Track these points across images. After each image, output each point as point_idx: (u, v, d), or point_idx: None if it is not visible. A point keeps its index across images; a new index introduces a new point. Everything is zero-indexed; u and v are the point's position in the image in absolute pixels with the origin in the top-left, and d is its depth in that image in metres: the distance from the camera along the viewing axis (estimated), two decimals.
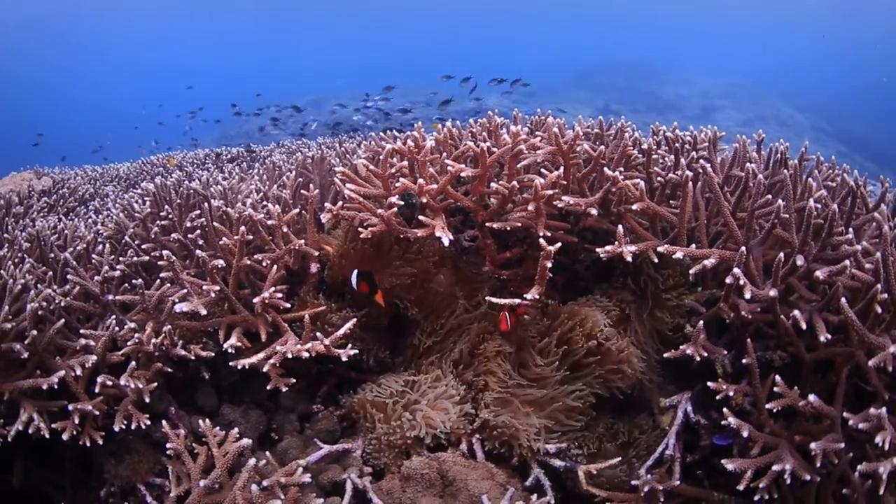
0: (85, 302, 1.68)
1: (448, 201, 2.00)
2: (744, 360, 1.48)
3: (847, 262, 1.37)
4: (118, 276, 1.74)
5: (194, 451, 1.53)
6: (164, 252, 1.69)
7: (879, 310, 1.38)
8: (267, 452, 1.71)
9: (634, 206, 1.77)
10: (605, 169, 1.88)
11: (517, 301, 1.81)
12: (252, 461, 1.47)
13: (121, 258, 1.82)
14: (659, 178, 1.88)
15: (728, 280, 1.52)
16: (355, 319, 1.91)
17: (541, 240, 1.72)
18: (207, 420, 1.63)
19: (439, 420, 1.83)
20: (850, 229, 1.55)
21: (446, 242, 1.86)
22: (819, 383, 1.53)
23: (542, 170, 2.03)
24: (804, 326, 1.42)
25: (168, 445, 1.48)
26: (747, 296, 1.45)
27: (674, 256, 1.65)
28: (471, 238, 2.15)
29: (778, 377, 1.42)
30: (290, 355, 1.75)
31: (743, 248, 1.53)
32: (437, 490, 1.69)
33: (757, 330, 1.67)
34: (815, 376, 1.55)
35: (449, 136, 2.24)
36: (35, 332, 1.44)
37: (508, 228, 1.92)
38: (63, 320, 1.52)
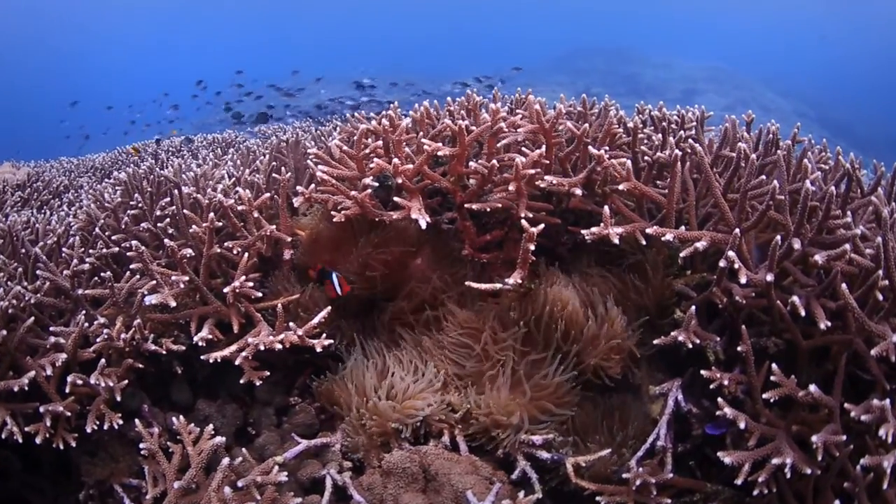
0: (56, 297, 1.60)
1: (425, 182, 1.92)
2: (738, 348, 1.42)
3: (847, 246, 1.32)
4: (88, 269, 1.65)
5: (169, 449, 1.46)
6: (133, 243, 1.60)
7: (880, 297, 1.33)
8: (244, 449, 1.65)
9: (621, 187, 1.71)
10: (590, 147, 1.81)
11: (498, 286, 1.75)
12: (226, 461, 1.41)
13: (91, 251, 1.72)
14: (646, 158, 1.82)
15: (721, 264, 1.46)
16: (329, 308, 1.85)
17: (522, 221, 1.66)
18: (182, 417, 1.56)
19: (419, 410, 1.77)
20: (848, 213, 1.51)
21: (423, 225, 1.79)
22: (815, 371, 1.48)
23: (524, 149, 1.96)
24: (803, 313, 1.36)
25: (142, 445, 1.42)
26: (742, 280, 1.39)
27: (663, 239, 1.59)
28: (450, 220, 2.09)
29: (774, 365, 1.37)
30: (262, 347, 1.68)
31: (737, 231, 1.47)
32: (420, 485, 1.64)
33: (749, 315, 1.62)
34: (811, 364, 1.50)
35: (426, 115, 2.16)
36: (5, 332, 1.36)
37: (488, 209, 1.86)
38: (33, 318, 1.44)
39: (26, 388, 1.32)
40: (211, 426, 1.56)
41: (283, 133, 3.08)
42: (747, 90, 16.88)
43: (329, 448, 1.79)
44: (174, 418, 1.52)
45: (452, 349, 1.90)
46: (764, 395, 1.36)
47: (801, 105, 16.54)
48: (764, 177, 1.56)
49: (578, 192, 1.80)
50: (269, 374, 1.73)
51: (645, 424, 1.71)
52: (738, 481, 1.33)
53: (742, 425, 1.35)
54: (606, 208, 1.67)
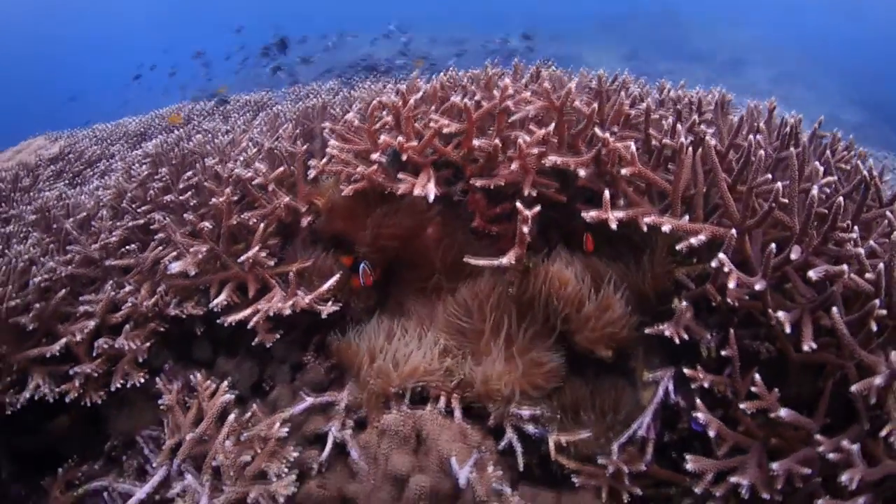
0: (87, 268, 1.77)
1: (435, 155, 1.96)
2: (723, 352, 1.42)
3: (844, 267, 1.25)
4: (116, 241, 1.81)
5: (187, 404, 1.64)
6: (157, 215, 1.75)
7: (875, 327, 1.25)
8: (254, 404, 1.83)
9: (624, 171, 1.70)
10: (597, 129, 1.79)
11: (496, 262, 1.79)
12: (232, 416, 1.57)
13: (119, 223, 1.89)
14: (655, 143, 1.78)
15: (713, 264, 1.44)
16: (338, 276, 1.96)
17: (518, 204, 1.68)
18: (199, 374, 1.74)
19: (418, 375, 1.88)
20: (856, 226, 1.43)
21: (431, 198, 1.85)
22: (809, 381, 1.44)
23: (532, 127, 1.95)
24: (788, 329, 1.32)
25: (161, 400, 1.60)
26: (731, 284, 1.36)
27: (662, 229, 1.58)
28: (462, 191, 2.12)
29: (758, 376, 1.35)
30: (271, 313, 1.82)
31: (733, 231, 1.43)
32: (411, 446, 1.76)
33: (748, 314, 1.59)
34: (803, 375, 1.45)
35: (440, 88, 2.16)
36: (40, 305, 1.54)
37: (492, 187, 1.89)
38: (66, 289, 1.61)
39: (58, 354, 1.52)
40: (226, 382, 1.73)
41: (312, 97, 3.13)
42: (794, 64, 15.88)
43: (334, 405, 1.95)
44: (191, 375, 1.70)
45: (454, 320, 1.99)
46: (741, 406, 1.33)
47: (847, 86, 15.31)
48: (770, 175, 1.49)
49: (582, 172, 1.80)
50: (280, 335, 1.89)
51: (634, 410, 1.74)
52: (697, 490, 1.34)
53: (712, 433, 1.35)
54: (606, 192, 1.66)
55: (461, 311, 1.99)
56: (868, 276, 1.28)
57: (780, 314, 1.31)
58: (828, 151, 1.70)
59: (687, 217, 1.65)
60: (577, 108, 1.86)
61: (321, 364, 2.10)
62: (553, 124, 1.91)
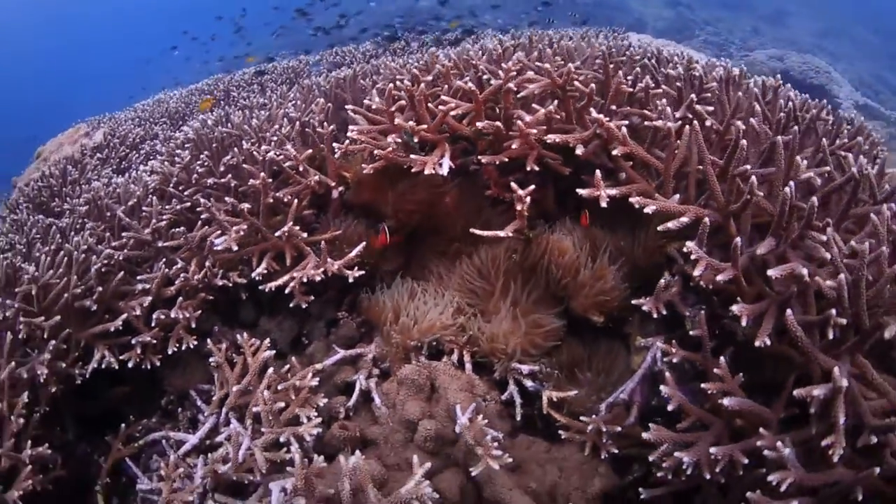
0: (141, 250, 2.09)
1: (450, 131, 2.12)
2: (692, 332, 1.52)
3: (804, 270, 1.29)
4: (165, 224, 2.11)
5: (234, 361, 1.96)
6: (202, 199, 2.02)
7: (831, 335, 1.26)
8: (293, 357, 2.14)
9: (615, 151, 1.79)
10: (592, 109, 1.87)
11: (501, 233, 1.95)
12: (271, 370, 1.88)
13: (167, 207, 2.18)
14: (648, 123, 1.85)
15: (684, 249, 1.53)
16: (363, 245, 2.19)
17: (512, 184, 1.83)
18: (244, 334, 2.05)
19: (435, 329, 2.12)
20: (845, 222, 1.45)
21: (445, 172, 2.02)
22: (785, 368, 1.45)
23: (535, 106, 2.04)
24: (744, 322, 1.36)
25: (211, 359, 1.92)
26: (696, 272, 1.44)
27: (645, 210, 1.67)
28: (477, 162, 2.27)
29: (722, 359, 1.42)
30: (305, 280, 2.09)
31: (706, 219, 1.50)
32: (426, 395, 2.02)
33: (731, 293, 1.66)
34: (778, 361, 1.48)
35: (453, 67, 2.27)
36: (101, 289, 1.87)
37: (497, 163, 2.03)
38: (123, 272, 1.93)
39: (120, 328, 1.85)
40: (267, 341, 2.04)
41: (345, 67, 3.28)
42: (841, 20, 14.28)
43: (363, 357, 2.23)
44: (238, 335, 2.01)
45: (468, 282, 2.20)
46: (702, 385, 1.41)
47: (893, 45, 13.72)
48: (748, 166, 1.53)
49: (580, 150, 1.90)
50: (315, 296, 2.17)
51: (625, 373, 1.90)
52: (651, 458, 1.45)
53: (671, 407, 1.45)
54: (598, 172, 1.77)
55: (474, 274, 2.19)
56: (829, 283, 1.29)
57: (735, 307, 1.37)
58: (824, 140, 1.68)
59: (677, 197, 1.74)
60: (577, 87, 1.93)
61: (353, 320, 2.37)
62: (556, 102, 2.02)
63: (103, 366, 1.85)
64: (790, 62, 10.83)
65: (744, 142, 1.54)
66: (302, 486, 1.54)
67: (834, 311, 1.25)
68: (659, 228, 1.65)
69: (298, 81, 3.47)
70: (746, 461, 1.29)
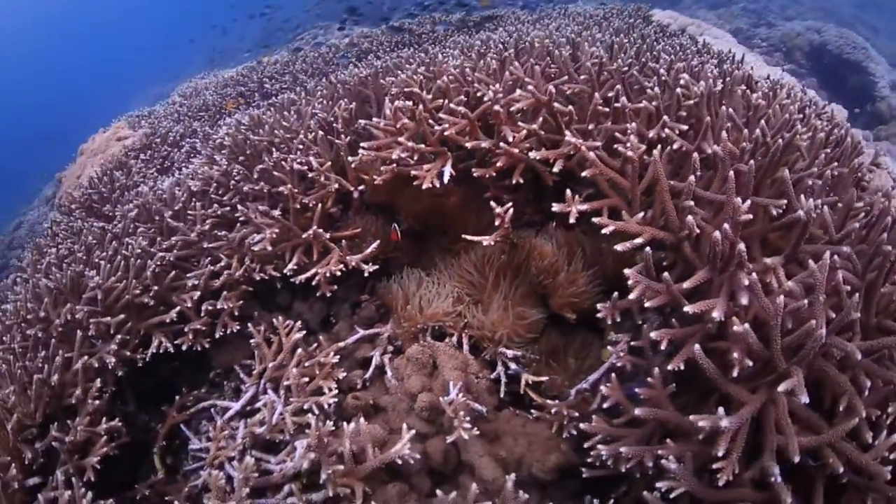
0: (188, 248, 2.52)
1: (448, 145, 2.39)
2: (632, 343, 1.78)
3: (717, 314, 1.47)
4: (209, 228, 2.53)
5: (270, 340, 2.41)
6: (240, 207, 2.42)
7: (735, 373, 1.40)
8: (321, 335, 2.56)
9: (584, 174, 2.01)
10: (568, 132, 2.08)
11: (486, 240, 2.24)
12: (300, 350, 2.31)
13: (209, 211, 2.59)
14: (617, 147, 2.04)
15: (625, 272, 1.75)
16: (378, 242, 2.55)
17: (492, 203, 2.10)
18: (280, 317, 2.49)
19: (438, 315, 2.48)
20: (754, 273, 1.54)
21: (445, 181, 2.32)
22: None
23: (520, 123, 2.26)
24: (663, 347, 1.56)
25: (252, 340, 2.38)
26: (632, 296, 1.65)
27: (602, 231, 1.90)
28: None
29: (656, 370, 1.62)
30: (328, 274, 2.48)
31: (648, 251, 1.70)
32: (428, 371, 2.40)
33: None
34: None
35: (454, 80, 2.49)
36: (156, 287, 2.33)
37: (487, 176, 2.29)
38: (175, 271, 2.37)
39: (175, 318, 2.31)
40: (299, 323, 2.47)
41: (368, 59, 3.51)
42: None
43: (379, 336, 2.63)
44: (275, 318, 2.45)
45: (466, 275, 2.52)
46: (636, 390, 1.64)
47: None
48: (691, 202, 1.72)
49: (557, 168, 2.14)
50: (336, 287, 2.56)
51: (596, 364, 2.20)
52: (584, 445, 1.71)
53: (606, 404, 1.71)
54: (568, 191, 2.01)
55: (472, 269, 2.51)
56: (736, 328, 1.40)
57: (654, 333, 1.57)
58: (785, 171, 1.78)
59: (642, 215, 1.95)
60: (557, 109, 2.14)
61: (373, 303, 2.77)
62: (540, 119, 2.23)
63: (161, 350, 2.30)
64: (827, 35, 10.07)
65: (692, 178, 1.73)
66: (315, 443, 1.98)
67: (735, 354, 1.41)
68: (618, 247, 1.88)
69: (327, 73, 3.74)
70: (651, 464, 1.54)
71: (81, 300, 2.23)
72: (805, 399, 1.25)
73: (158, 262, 2.34)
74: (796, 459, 1.26)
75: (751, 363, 1.42)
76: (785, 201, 1.77)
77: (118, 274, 2.31)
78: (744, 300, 1.40)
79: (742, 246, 1.50)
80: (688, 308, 1.53)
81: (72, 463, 1.92)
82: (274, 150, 2.69)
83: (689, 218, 1.59)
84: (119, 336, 2.20)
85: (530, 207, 2.61)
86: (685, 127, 2.07)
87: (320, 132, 2.68)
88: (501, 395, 2.28)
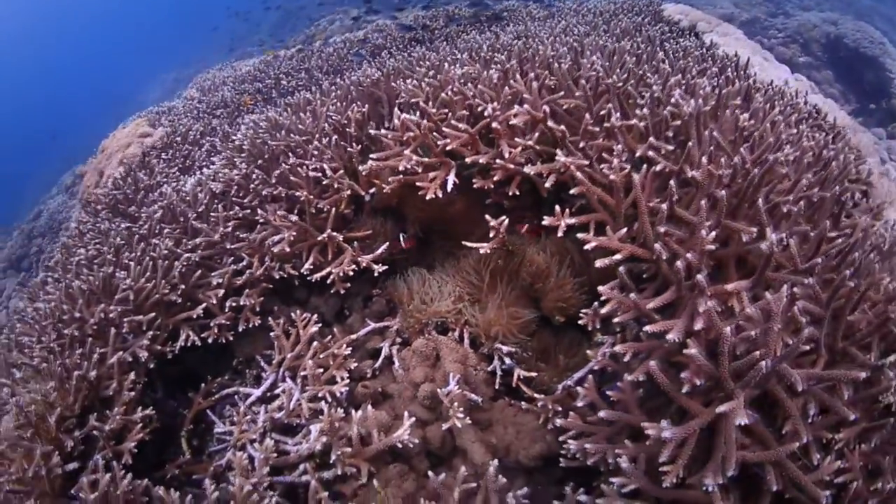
0: (212, 248, 2.77)
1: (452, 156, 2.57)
2: (612, 348, 1.99)
3: (673, 335, 1.66)
4: (230, 230, 2.77)
5: (289, 332, 2.67)
6: (260, 211, 2.65)
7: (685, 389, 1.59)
8: (336, 327, 2.81)
9: (572, 191, 2.18)
10: (558, 152, 2.24)
11: (484, 245, 2.43)
12: (315, 343, 2.56)
13: (231, 213, 2.82)
14: (602, 168, 2.19)
15: (599, 289, 1.94)
16: (387, 244, 2.76)
17: (486, 216, 2.29)
18: (298, 310, 2.74)
19: (441, 312, 2.70)
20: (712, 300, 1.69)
21: (450, 188, 2.51)
22: None
23: (517, 140, 2.42)
24: (627, 359, 1.80)
25: (272, 333, 2.63)
26: (604, 310, 1.86)
27: (585, 247, 2.07)
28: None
29: (627, 375, 1.78)
30: (341, 274, 2.71)
31: (622, 269, 1.90)
32: (431, 362, 2.64)
33: None
34: None
35: (457, 93, 2.64)
36: (183, 286, 2.58)
37: (486, 189, 2.47)
38: (200, 270, 2.62)
39: (201, 314, 2.56)
40: (315, 317, 2.71)
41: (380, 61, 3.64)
42: None
43: (388, 328, 2.87)
44: (293, 312, 2.70)
45: (466, 276, 2.73)
46: (607, 392, 1.86)
47: None
48: (662, 228, 1.89)
49: (548, 183, 2.30)
50: (349, 285, 2.80)
51: (582, 362, 2.39)
52: (559, 438, 1.94)
53: (580, 402, 1.92)
54: (557, 207, 2.18)
55: (471, 270, 2.71)
56: (686, 350, 1.57)
57: (619, 347, 1.77)
58: (759, 202, 1.92)
59: (625, 230, 2.11)
60: (551, 126, 2.29)
61: (383, 297, 3.01)
62: (536, 135, 2.39)
63: (188, 344, 2.56)
64: (844, 28, 9.77)
65: (664, 206, 1.89)
66: (327, 428, 2.25)
67: (684, 374, 1.59)
68: (597, 264, 2.05)
69: (342, 70, 3.88)
70: (612, 460, 1.75)
71: (113, 300, 2.50)
72: (742, 421, 1.44)
73: (185, 263, 2.59)
74: (730, 473, 1.45)
75: (699, 382, 1.60)
76: (755, 229, 1.93)
77: (147, 274, 2.56)
78: (698, 325, 1.58)
79: (701, 276, 1.67)
80: (646, 328, 1.71)
81: (110, 448, 2.20)
82: (291, 154, 2.89)
83: (657, 245, 1.75)
84: (151, 332, 2.47)
85: (530, 212, 2.79)
86: (671, 147, 2.21)
87: (334, 137, 2.88)
88: (497, 387, 2.51)
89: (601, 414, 1.76)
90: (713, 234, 1.72)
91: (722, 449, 1.54)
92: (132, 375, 2.36)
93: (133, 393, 2.31)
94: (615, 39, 3.35)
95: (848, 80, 9.88)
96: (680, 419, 1.64)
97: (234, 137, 3.37)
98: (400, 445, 2.24)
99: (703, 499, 1.53)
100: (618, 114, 2.36)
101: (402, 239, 2.78)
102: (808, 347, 1.57)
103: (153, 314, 2.49)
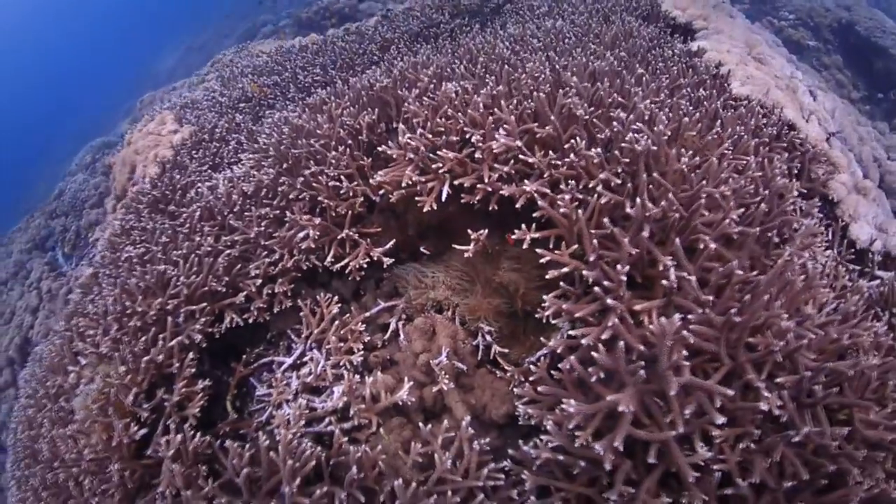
0: (249, 245, 3.40)
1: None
2: (551, 342, 2.61)
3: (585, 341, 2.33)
4: (263, 228, 3.39)
5: (314, 310, 3.35)
6: (288, 213, 3.26)
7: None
8: (353, 305, 3.48)
9: (535, 214, 2.73)
10: (525, 182, 2.77)
11: (468, 249, 3.01)
12: (337, 321, 3.24)
13: (263, 211, 3.44)
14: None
15: (543, 297, 2.54)
16: (393, 241, 3.38)
17: (469, 231, 2.87)
18: (322, 292, 3.40)
19: (437, 297, 3.35)
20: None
21: (444, 198, 3.08)
22: None
23: (495, 165, 2.94)
24: (552, 344, 2.47)
25: (301, 313, 3.31)
26: (546, 312, 2.48)
27: (540, 261, 2.65)
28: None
29: (572, 357, 2.55)
30: (355, 266, 3.34)
31: (562, 283, 2.50)
32: (428, 336, 3.31)
33: None
34: None
35: (450, 118, 3.14)
36: (227, 278, 3.24)
37: (471, 202, 3.02)
38: (240, 264, 3.28)
39: (243, 300, 3.22)
40: (336, 297, 3.38)
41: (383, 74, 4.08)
42: None
43: (395, 307, 3.53)
44: (318, 294, 3.37)
45: (458, 269, 3.34)
46: (552, 372, 2.57)
47: None
48: (592, 256, 2.45)
49: (519, 204, 2.85)
50: (363, 272, 3.44)
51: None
52: (516, 403, 2.67)
53: (533, 378, 2.62)
54: (524, 225, 2.75)
55: (460, 266, 3.32)
56: (595, 354, 2.33)
57: (552, 341, 2.44)
58: (677, 241, 2.49)
59: (575, 247, 2.67)
60: (522, 158, 2.81)
61: (392, 280, 3.65)
62: (511, 161, 2.91)
63: (232, 325, 3.24)
64: (857, 15, 9.44)
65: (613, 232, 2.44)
66: (347, 390, 2.96)
67: (591, 368, 2.25)
68: (547, 276, 2.64)
69: (354, 65, 4.31)
70: (544, 422, 2.45)
71: (166, 294, 3.19)
72: (623, 408, 2.07)
73: (226, 257, 3.26)
74: (616, 444, 2.09)
75: (602, 375, 2.22)
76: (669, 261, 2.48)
77: (195, 269, 3.24)
78: (605, 335, 2.20)
79: (610, 300, 2.26)
80: (570, 332, 2.33)
81: (176, 415, 2.94)
82: (312, 161, 3.46)
83: (585, 272, 2.33)
84: (203, 319, 3.17)
85: (512, 217, 3.35)
86: (619, 181, 2.71)
87: (349, 142, 3.42)
88: (479, 358, 3.18)
89: (540, 388, 2.42)
90: (626, 268, 2.29)
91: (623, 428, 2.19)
92: (190, 354, 3.07)
93: (192, 369, 3.03)
94: (604, 48, 3.69)
95: (857, 66, 9.79)
96: (595, 399, 2.28)
97: (259, 138, 3.93)
98: (401, 403, 2.95)
99: (598, 457, 2.19)
100: (583, 143, 2.86)
101: (422, 249, 3.39)
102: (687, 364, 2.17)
103: (204, 303, 3.18)
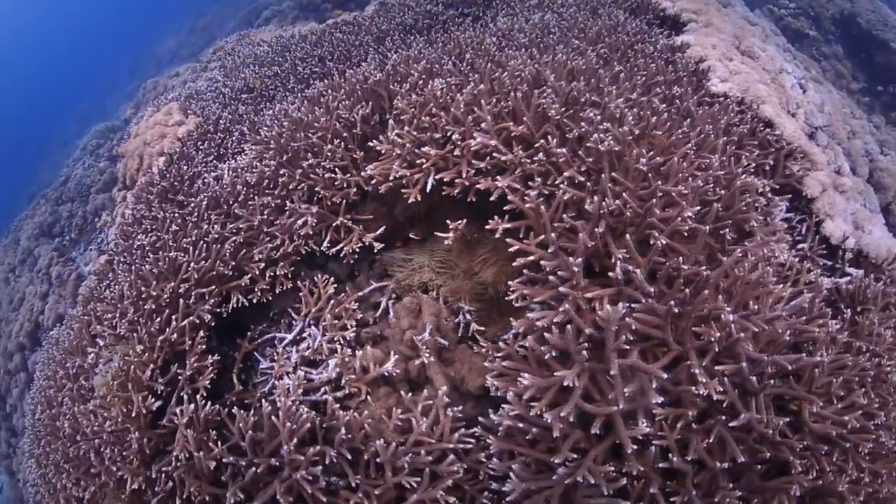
0: (253, 231, 3.73)
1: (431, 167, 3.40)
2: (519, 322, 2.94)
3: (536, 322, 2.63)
4: (265, 217, 3.71)
5: (312, 291, 3.69)
6: (288, 203, 3.57)
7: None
8: (347, 285, 3.82)
9: (507, 207, 3.02)
10: (499, 178, 3.05)
11: (449, 237, 3.32)
12: (332, 301, 3.58)
13: (265, 200, 3.75)
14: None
15: (509, 282, 2.85)
16: (384, 227, 3.68)
17: (448, 221, 3.16)
18: (319, 273, 3.74)
19: (424, 279, 3.67)
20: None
21: (429, 189, 3.37)
22: None
23: (474, 162, 3.21)
24: (516, 325, 2.79)
25: (300, 293, 3.66)
26: (511, 297, 2.80)
27: (509, 250, 2.94)
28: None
29: (530, 337, 2.87)
30: (349, 250, 3.66)
31: (525, 271, 2.80)
32: (415, 314, 3.64)
33: None
34: None
35: (434, 116, 3.39)
36: (234, 262, 3.58)
37: (453, 194, 3.31)
38: (244, 249, 3.61)
39: (248, 283, 3.56)
40: (332, 279, 3.72)
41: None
42: None
43: (386, 287, 3.86)
44: (315, 275, 3.71)
45: (442, 254, 3.65)
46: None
47: None
48: (547, 254, 2.74)
49: (493, 197, 3.13)
50: (356, 255, 3.76)
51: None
52: (486, 376, 3.01)
53: (500, 354, 2.96)
54: (496, 216, 3.04)
55: (443, 251, 3.63)
56: (547, 335, 2.65)
57: (518, 321, 2.76)
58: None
59: (542, 237, 2.96)
60: (496, 156, 3.08)
61: (383, 263, 3.97)
62: (488, 157, 3.18)
63: (238, 305, 3.59)
64: (860, 6, 9.32)
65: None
66: (340, 362, 3.33)
67: (544, 347, 2.59)
68: (514, 264, 2.93)
69: (351, 57, 4.53)
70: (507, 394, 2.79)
71: (178, 278, 3.53)
72: (568, 383, 2.39)
73: (232, 243, 3.59)
74: (564, 413, 2.42)
75: (555, 353, 2.55)
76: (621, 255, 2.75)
77: (203, 254, 3.58)
78: (557, 319, 2.51)
79: (564, 287, 2.57)
80: (530, 315, 2.64)
81: (188, 387, 3.31)
82: (310, 154, 3.76)
83: (542, 262, 2.63)
84: (212, 300, 3.52)
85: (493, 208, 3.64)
86: (583, 178, 2.98)
87: (344, 134, 3.70)
88: (460, 334, 3.51)
89: (503, 363, 2.75)
90: (580, 260, 2.58)
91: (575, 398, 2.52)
92: (201, 333, 3.43)
93: (202, 346, 3.39)
94: (588, 43, 3.87)
95: (858, 58, 9.74)
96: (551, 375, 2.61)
97: (260, 130, 4.21)
98: (387, 374, 3.31)
99: (549, 426, 2.53)
100: (555, 141, 3.12)
101: (411, 235, 3.70)
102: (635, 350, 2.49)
103: (212, 286, 3.53)
